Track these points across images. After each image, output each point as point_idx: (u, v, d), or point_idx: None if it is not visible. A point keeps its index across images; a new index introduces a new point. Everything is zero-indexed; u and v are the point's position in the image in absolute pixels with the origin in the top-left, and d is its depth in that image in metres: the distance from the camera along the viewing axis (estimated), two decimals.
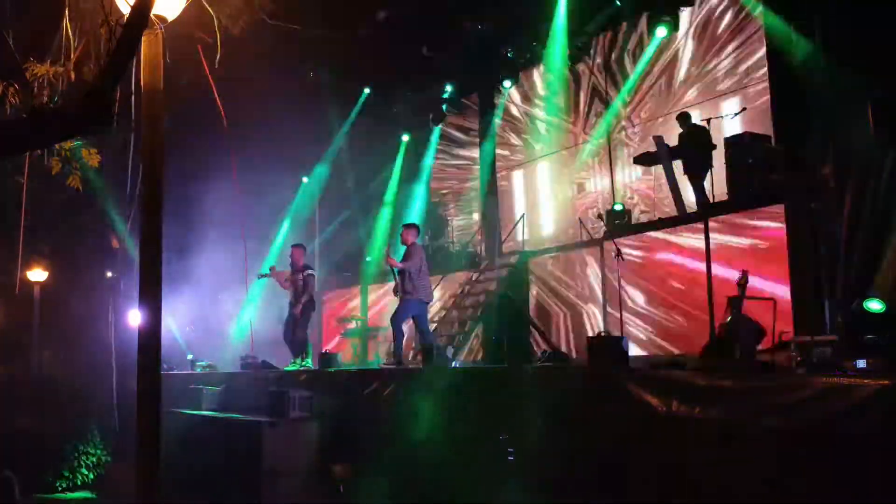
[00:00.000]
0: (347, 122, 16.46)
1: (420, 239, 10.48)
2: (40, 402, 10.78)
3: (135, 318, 12.44)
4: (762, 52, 10.94)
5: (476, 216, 16.18)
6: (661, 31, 11.93)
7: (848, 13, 7.46)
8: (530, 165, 15.19)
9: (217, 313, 14.92)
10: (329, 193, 17.59)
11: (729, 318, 6.24)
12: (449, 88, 15.51)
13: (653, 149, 11.28)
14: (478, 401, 6.34)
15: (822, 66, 7.78)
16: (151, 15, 3.77)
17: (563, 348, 11.51)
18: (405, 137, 16.91)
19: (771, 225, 8.90)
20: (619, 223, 11.26)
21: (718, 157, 10.13)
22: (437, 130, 16.59)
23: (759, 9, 10.72)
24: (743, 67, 11.33)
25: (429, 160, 16.88)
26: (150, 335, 3.95)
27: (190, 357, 12.94)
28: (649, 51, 12.68)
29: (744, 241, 9.31)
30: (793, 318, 7.52)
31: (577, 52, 13.47)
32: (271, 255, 16.18)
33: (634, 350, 9.71)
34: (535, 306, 12.43)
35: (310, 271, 11.20)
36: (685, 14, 12.01)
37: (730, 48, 11.52)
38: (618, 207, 11.71)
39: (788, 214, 7.95)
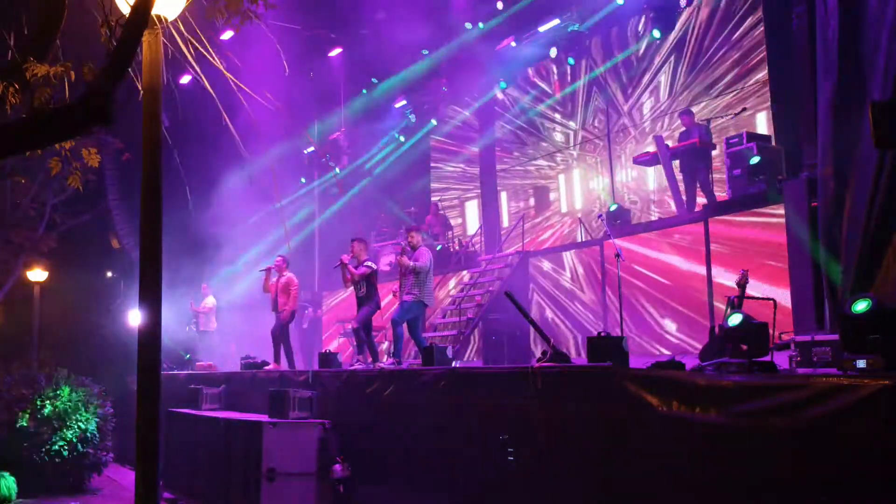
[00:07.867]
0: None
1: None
2: (40, 401, 10.77)
3: (134, 317, 12.46)
4: (762, 51, 10.95)
5: (476, 215, 16.19)
6: (658, 32, 11.95)
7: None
8: (531, 165, 15.19)
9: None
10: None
11: (729, 318, 6.24)
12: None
13: (653, 148, 11.29)
14: (478, 401, 6.34)
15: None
16: (152, 15, 3.76)
17: (563, 348, 11.50)
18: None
19: (771, 225, 8.90)
20: (618, 223, 11.26)
21: (719, 158, 10.13)
22: (429, 124, 16.66)
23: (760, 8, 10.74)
24: (743, 67, 11.33)
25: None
26: (150, 335, 3.94)
27: (188, 357, 12.93)
28: (648, 50, 12.68)
29: (744, 242, 9.31)
30: (793, 318, 7.52)
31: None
32: None
33: (634, 350, 9.70)
34: (535, 306, 12.42)
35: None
36: (685, 13, 12.01)
37: (730, 47, 11.52)
38: (617, 207, 11.71)
39: (788, 214, 7.94)
